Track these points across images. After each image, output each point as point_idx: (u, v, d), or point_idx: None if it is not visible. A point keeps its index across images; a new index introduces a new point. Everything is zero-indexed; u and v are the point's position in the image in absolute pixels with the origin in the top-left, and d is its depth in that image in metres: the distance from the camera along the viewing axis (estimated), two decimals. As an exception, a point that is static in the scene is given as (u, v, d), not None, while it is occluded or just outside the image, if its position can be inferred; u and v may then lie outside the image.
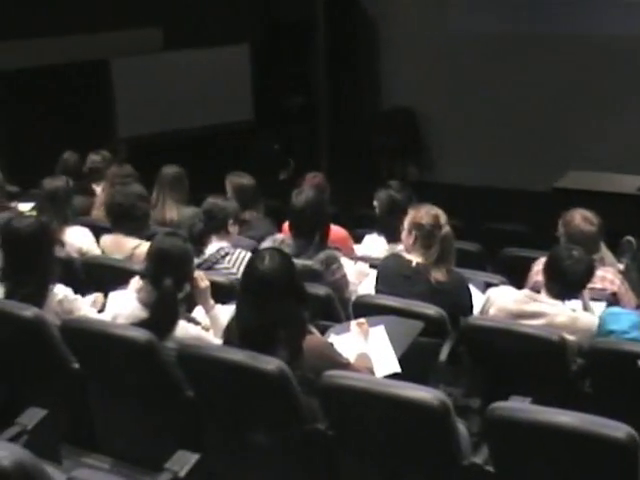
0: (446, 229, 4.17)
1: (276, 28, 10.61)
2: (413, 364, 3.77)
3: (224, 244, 4.61)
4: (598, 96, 9.40)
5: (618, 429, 2.74)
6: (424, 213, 4.20)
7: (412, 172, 10.57)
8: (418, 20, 10.34)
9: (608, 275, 4.68)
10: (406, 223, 4.26)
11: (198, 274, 3.84)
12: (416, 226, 4.16)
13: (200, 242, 4.59)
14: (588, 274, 3.97)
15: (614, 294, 4.58)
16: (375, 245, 5.23)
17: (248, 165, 7.81)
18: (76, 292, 4.19)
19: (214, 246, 4.59)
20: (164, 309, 3.68)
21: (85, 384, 3.71)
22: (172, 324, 3.64)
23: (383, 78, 10.87)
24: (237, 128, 9.85)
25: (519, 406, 3.01)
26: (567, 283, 3.93)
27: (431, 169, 10.63)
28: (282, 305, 3.16)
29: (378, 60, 10.87)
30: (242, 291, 3.30)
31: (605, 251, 5.08)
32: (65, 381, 3.75)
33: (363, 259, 5.00)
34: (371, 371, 3.50)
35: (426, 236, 4.13)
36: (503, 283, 4.82)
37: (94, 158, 6.80)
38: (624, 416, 3.48)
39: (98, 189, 6.31)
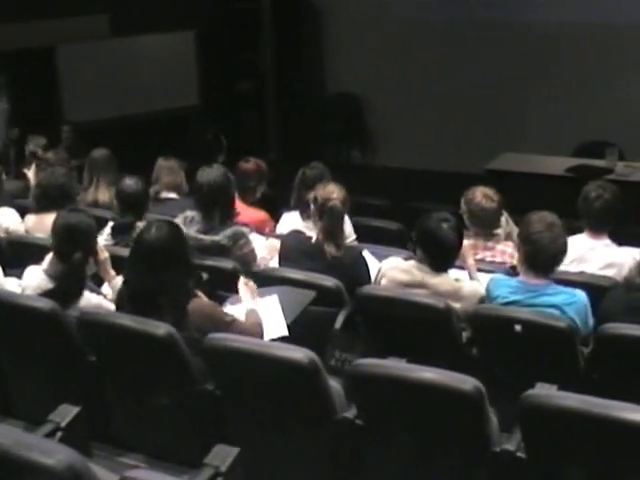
0: (332, 203, 4.38)
1: (223, 14, 10.82)
2: (311, 332, 4.01)
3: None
4: (532, 81, 9.69)
5: (466, 382, 2.99)
6: (321, 189, 4.42)
7: (355, 156, 10.85)
8: (362, 7, 10.57)
9: (508, 249, 4.93)
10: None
11: (98, 247, 4.07)
12: (313, 202, 4.40)
13: None
14: (459, 242, 4.16)
15: (514, 267, 4.83)
16: (291, 222, 5.44)
17: (189, 150, 8.04)
18: (3, 269, 4.43)
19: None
20: (73, 280, 3.91)
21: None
22: (78, 294, 3.88)
23: (329, 64, 11.10)
24: (182, 113, 10.05)
25: (379, 362, 3.25)
26: (440, 253, 4.13)
27: (374, 153, 10.90)
28: (165, 272, 3.42)
29: (324, 46, 11.09)
30: (130, 258, 3.56)
31: (513, 227, 5.33)
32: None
33: (279, 236, 5.23)
34: (259, 324, 3.74)
35: (318, 210, 4.37)
36: (410, 257, 5.07)
37: (37, 142, 7.09)
38: (508, 378, 3.79)
39: (29, 173, 6.52)
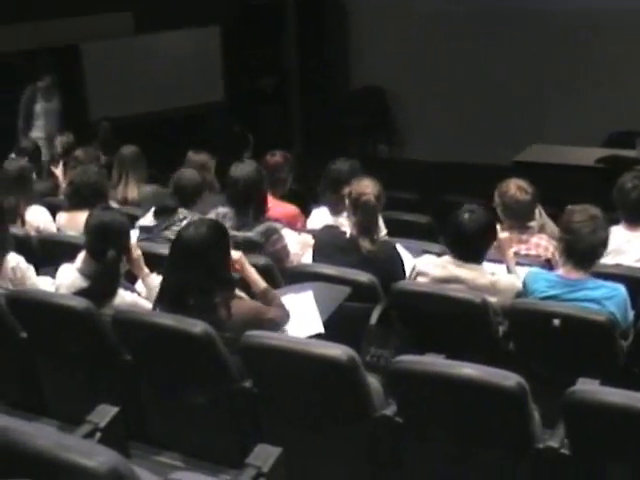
0: (366, 197, 4.34)
1: (247, 10, 10.79)
2: (346, 328, 3.97)
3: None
4: (558, 72, 9.60)
5: (508, 378, 2.94)
6: (356, 184, 4.39)
7: (382, 150, 10.79)
8: (386, 0, 10.51)
9: (542, 242, 4.87)
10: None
11: (131, 244, 4.05)
12: (347, 196, 4.37)
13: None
14: (487, 233, 4.09)
15: (548, 260, 4.77)
16: (321, 218, 5.40)
17: (216, 145, 8.01)
18: (35, 267, 4.43)
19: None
20: (107, 279, 3.89)
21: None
22: (113, 293, 3.85)
23: (353, 58, 11.06)
24: (208, 109, 10.03)
25: (419, 359, 3.21)
26: (459, 241, 4.09)
27: (401, 146, 10.84)
28: (200, 271, 3.39)
29: (348, 40, 11.05)
30: (169, 255, 3.54)
31: (546, 219, 5.27)
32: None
33: (310, 232, 5.19)
34: (283, 307, 3.74)
35: (352, 205, 4.33)
36: (443, 252, 5.01)
37: (62, 139, 7.12)
38: (546, 373, 3.74)
39: (57, 171, 6.52)
